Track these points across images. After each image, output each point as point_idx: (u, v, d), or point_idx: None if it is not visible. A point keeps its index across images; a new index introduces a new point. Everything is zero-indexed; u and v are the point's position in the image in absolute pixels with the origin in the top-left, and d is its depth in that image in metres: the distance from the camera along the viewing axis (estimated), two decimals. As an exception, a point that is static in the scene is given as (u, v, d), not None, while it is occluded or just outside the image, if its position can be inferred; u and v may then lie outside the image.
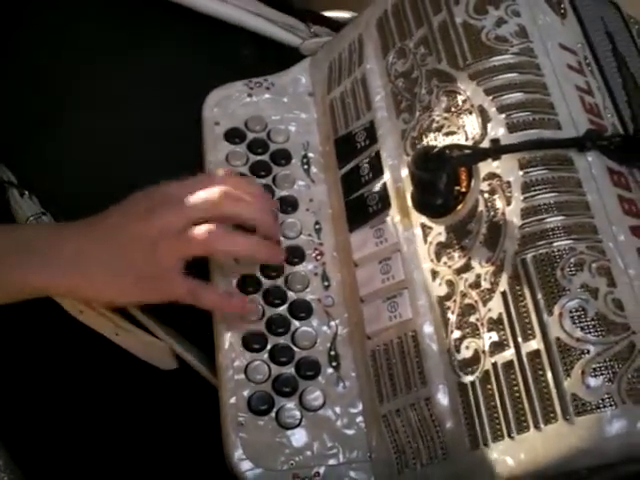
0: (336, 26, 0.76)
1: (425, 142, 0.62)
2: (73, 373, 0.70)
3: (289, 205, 0.68)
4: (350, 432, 0.61)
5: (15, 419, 0.70)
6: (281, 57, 0.77)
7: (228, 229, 0.62)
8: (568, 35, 0.63)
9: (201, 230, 0.61)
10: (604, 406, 0.50)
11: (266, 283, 0.65)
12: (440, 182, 0.57)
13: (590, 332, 0.52)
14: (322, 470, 0.59)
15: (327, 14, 0.83)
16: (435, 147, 0.56)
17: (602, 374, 0.51)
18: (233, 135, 0.70)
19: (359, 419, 0.61)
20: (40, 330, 0.64)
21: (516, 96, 0.59)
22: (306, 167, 0.70)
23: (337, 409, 0.61)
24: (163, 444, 0.68)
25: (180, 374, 0.68)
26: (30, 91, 0.75)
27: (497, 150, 0.56)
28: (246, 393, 0.61)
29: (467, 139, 0.59)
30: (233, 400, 0.60)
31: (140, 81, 0.75)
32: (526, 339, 0.53)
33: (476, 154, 0.56)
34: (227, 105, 0.72)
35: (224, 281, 0.64)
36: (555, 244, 0.54)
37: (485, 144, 0.58)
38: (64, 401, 0.70)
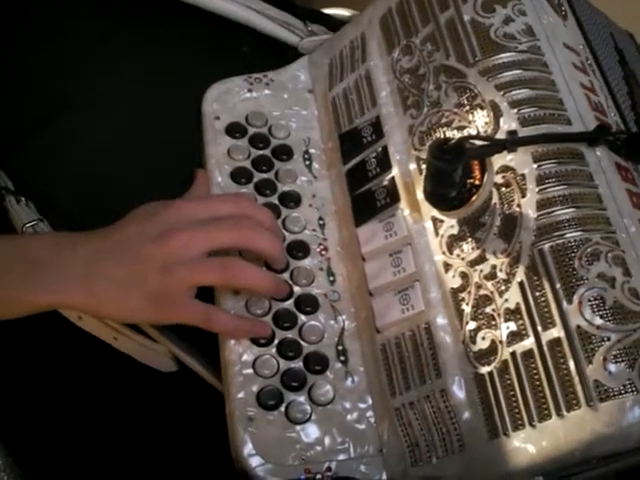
0: (334, 24, 0.76)
1: (434, 137, 0.62)
2: (73, 375, 0.69)
3: (292, 200, 0.67)
4: (360, 427, 0.60)
5: (15, 420, 0.68)
6: (280, 55, 0.77)
7: (245, 262, 0.61)
8: (570, 36, 0.64)
9: (222, 263, 0.60)
10: (626, 392, 0.51)
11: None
12: (456, 173, 0.57)
13: (610, 320, 0.52)
14: (333, 465, 0.58)
15: (327, 11, 0.83)
16: (452, 138, 0.56)
17: (623, 360, 0.51)
18: (234, 130, 0.69)
19: (369, 413, 0.60)
20: (40, 333, 0.62)
21: (526, 92, 0.60)
22: (308, 163, 0.70)
23: (346, 404, 0.60)
24: (164, 445, 0.67)
25: (180, 376, 0.66)
26: (28, 91, 0.73)
27: (514, 142, 0.56)
28: (255, 388, 0.59)
29: (479, 133, 0.60)
30: (241, 395, 0.59)
31: (140, 79, 0.74)
32: (546, 328, 0.54)
33: (494, 145, 0.57)
34: (227, 100, 0.71)
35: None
36: (571, 235, 0.55)
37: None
38: (64, 403, 0.69)
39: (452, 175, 0.57)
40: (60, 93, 0.73)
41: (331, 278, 0.65)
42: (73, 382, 0.69)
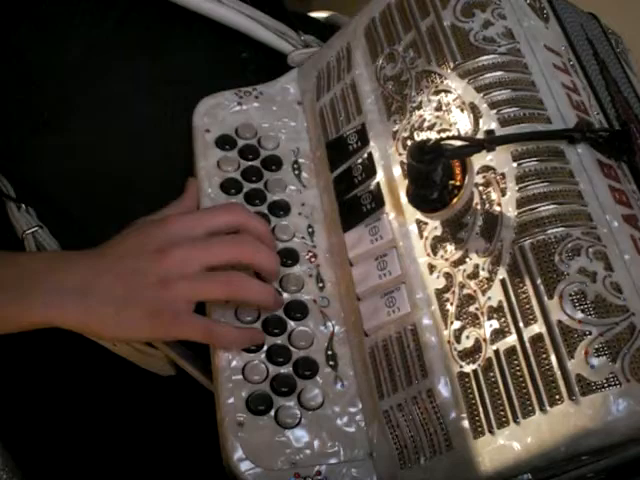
0: (326, 34, 0.77)
1: (417, 141, 0.63)
2: (74, 378, 0.70)
3: (281, 209, 0.68)
4: (350, 430, 0.60)
5: (15, 420, 0.69)
6: (278, 61, 0.78)
7: (248, 276, 0.61)
8: (552, 38, 0.65)
9: (227, 277, 0.60)
10: (609, 385, 0.51)
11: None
12: (436, 174, 0.58)
13: (591, 314, 0.52)
14: (323, 469, 0.58)
15: (315, 15, 0.84)
16: (431, 140, 0.57)
17: (605, 354, 0.51)
18: (224, 142, 0.70)
19: (359, 417, 0.61)
20: (41, 335, 0.63)
21: (506, 93, 0.60)
22: (297, 172, 0.70)
23: (336, 408, 0.61)
24: (163, 448, 0.68)
25: (179, 380, 0.67)
26: (30, 94, 0.74)
27: (492, 141, 0.57)
28: (244, 393, 0.60)
29: (459, 135, 0.60)
30: (231, 400, 0.59)
31: (141, 82, 0.75)
32: (528, 324, 0.54)
33: (472, 145, 0.57)
34: (217, 113, 0.72)
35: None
36: (551, 231, 0.55)
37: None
38: (64, 405, 0.70)
39: (432, 176, 0.58)
40: (62, 95, 0.73)
41: (320, 284, 0.65)
42: (73, 385, 0.70)
